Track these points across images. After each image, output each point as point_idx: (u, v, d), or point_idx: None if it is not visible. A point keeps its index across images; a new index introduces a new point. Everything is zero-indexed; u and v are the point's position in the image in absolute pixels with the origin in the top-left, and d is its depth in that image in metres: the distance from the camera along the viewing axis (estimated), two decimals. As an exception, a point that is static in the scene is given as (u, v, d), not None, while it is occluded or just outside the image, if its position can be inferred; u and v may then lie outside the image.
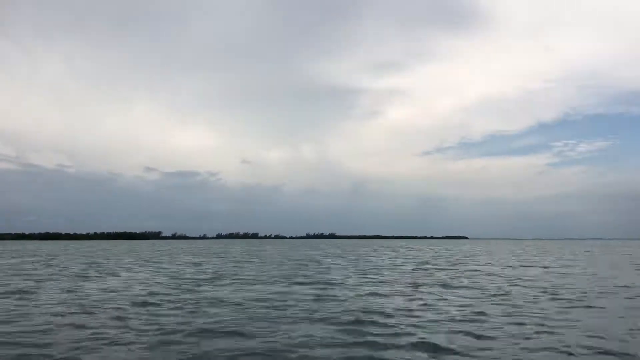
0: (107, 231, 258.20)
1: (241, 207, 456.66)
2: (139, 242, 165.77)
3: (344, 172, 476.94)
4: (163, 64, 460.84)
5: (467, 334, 9.73)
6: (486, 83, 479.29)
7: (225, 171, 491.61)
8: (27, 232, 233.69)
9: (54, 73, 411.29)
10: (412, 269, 27.59)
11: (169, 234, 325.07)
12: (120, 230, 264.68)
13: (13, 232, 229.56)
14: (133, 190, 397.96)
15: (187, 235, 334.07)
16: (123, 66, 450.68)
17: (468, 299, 14.72)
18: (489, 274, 23.99)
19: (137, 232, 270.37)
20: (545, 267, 30.01)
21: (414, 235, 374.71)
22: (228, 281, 20.32)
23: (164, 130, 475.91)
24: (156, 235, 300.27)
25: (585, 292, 16.39)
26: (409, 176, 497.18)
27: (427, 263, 34.23)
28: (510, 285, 18.66)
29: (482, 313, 12.11)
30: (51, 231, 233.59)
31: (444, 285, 18.60)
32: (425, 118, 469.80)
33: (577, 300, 14.67)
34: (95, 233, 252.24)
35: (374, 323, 10.84)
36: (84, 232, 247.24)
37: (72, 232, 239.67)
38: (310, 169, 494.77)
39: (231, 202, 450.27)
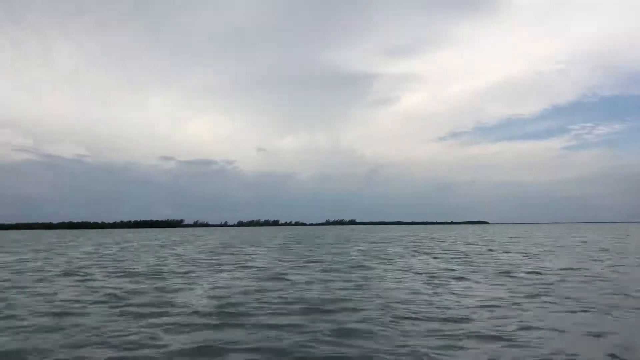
0: (127, 220, 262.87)
1: (258, 194, 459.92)
2: (174, 230, 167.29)
3: (359, 159, 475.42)
4: (177, 51, 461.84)
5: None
6: (500, 67, 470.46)
7: (241, 159, 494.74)
8: (54, 222, 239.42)
9: (69, 63, 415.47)
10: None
11: (190, 222, 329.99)
12: (140, 219, 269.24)
13: (40, 222, 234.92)
14: (149, 179, 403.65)
15: (209, 223, 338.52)
16: (137, 55, 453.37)
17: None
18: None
19: (160, 220, 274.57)
20: None
21: (434, 221, 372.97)
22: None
23: (178, 118, 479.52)
24: (178, 223, 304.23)
25: None
26: (425, 162, 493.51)
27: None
28: None
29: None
30: (74, 220, 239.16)
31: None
32: (439, 103, 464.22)
33: None
34: (121, 222, 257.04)
35: None
36: (109, 221, 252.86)
37: (99, 221, 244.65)
38: (325, 155, 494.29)
39: (248, 190, 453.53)
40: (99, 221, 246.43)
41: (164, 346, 7.54)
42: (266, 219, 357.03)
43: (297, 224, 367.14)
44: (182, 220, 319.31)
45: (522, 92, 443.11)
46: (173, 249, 37.05)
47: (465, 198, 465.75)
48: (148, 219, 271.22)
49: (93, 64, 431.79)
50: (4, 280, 16.28)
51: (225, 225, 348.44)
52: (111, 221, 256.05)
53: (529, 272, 17.06)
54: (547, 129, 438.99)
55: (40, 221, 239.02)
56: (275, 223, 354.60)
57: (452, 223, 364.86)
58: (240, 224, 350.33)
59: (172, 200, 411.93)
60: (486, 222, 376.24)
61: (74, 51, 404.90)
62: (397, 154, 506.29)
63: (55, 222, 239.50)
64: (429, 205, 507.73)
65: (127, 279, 16.19)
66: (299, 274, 17.38)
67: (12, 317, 9.91)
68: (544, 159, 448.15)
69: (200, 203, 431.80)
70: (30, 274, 18.60)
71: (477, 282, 14.56)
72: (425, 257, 25.53)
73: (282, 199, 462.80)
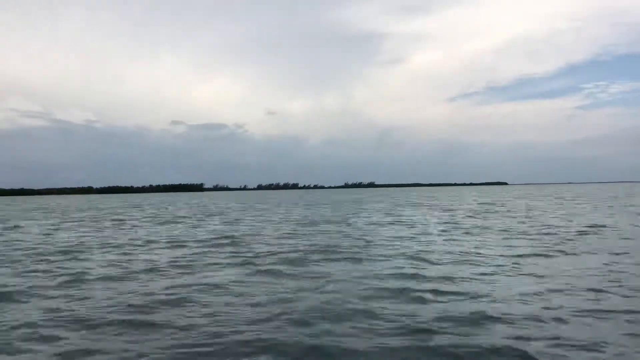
0: (148, 184, 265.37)
1: (270, 158, 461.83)
2: (202, 194, 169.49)
3: (370, 121, 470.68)
4: (183, 14, 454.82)
5: None
6: (513, 24, 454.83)
7: (251, 122, 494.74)
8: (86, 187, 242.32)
9: (76, 27, 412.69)
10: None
11: (210, 186, 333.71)
12: (155, 183, 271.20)
13: (77, 187, 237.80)
14: (161, 143, 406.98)
15: (229, 186, 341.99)
16: (144, 18, 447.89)
17: None
18: None
19: (184, 184, 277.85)
20: None
21: (454, 182, 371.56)
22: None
23: (187, 82, 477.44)
24: (199, 188, 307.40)
25: None
26: (437, 123, 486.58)
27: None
28: None
29: None
30: (96, 185, 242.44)
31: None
32: (451, 62, 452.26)
33: None
34: (150, 186, 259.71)
35: None
36: (138, 185, 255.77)
37: (128, 186, 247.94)
38: (335, 118, 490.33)
39: (260, 153, 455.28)
40: (123, 185, 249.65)
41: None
42: (285, 182, 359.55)
43: (315, 187, 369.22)
44: (202, 184, 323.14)
45: (536, 50, 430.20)
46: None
47: (481, 158, 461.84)
48: (164, 183, 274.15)
49: (99, 27, 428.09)
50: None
51: (245, 188, 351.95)
52: (139, 185, 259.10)
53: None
54: (561, 88, 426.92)
55: (50, 187, 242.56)
56: (295, 186, 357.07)
57: (471, 184, 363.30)
58: (260, 187, 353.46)
59: (185, 164, 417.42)
60: (505, 183, 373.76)
61: (82, 17, 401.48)
62: (409, 115, 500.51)
63: (83, 186, 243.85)
64: (444, 166, 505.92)
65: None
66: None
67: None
68: (556, 119, 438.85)
69: (212, 167, 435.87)
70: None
71: None
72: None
73: (295, 162, 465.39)
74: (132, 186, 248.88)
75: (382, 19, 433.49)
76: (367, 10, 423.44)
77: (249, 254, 12.24)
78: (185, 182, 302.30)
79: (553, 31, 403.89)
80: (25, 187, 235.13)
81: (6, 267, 11.04)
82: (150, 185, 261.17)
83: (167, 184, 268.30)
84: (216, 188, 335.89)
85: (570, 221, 20.59)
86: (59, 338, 5.76)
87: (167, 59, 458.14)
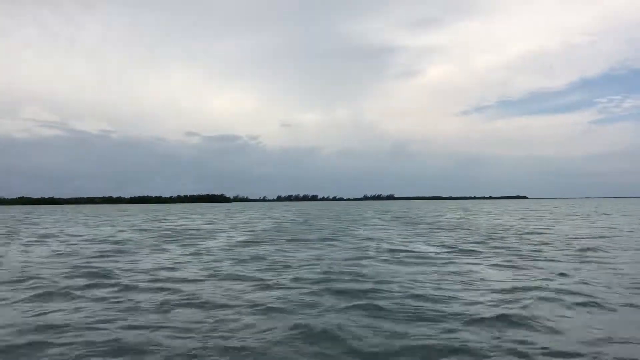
0: (168, 195, 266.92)
1: (286, 169, 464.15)
2: (232, 205, 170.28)
3: (383, 133, 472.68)
4: (198, 26, 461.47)
5: None
6: (527, 38, 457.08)
7: (265, 134, 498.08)
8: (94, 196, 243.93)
9: (93, 39, 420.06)
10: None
11: (229, 197, 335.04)
12: (173, 194, 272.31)
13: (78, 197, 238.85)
14: (177, 154, 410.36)
15: (249, 197, 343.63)
16: (159, 30, 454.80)
17: None
18: None
19: (203, 194, 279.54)
20: None
21: (473, 196, 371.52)
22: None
23: (201, 93, 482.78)
24: (226, 199, 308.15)
25: None
26: (452, 135, 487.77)
27: None
28: None
29: None
30: (113, 195, 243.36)
31: None
32: (464, 76, 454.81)
33: None
34: (178, 196, 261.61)
35: None
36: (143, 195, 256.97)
37: (154, 196, 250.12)
38: (348, 130, 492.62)
39: (275, 164, 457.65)
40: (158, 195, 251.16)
41: None
42: (304, 193, 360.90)
43: (334, 199, 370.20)
44: (222, 195, 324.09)
45: (550, 64, 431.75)
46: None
47: (497, 172, 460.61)
48: (184, 194, 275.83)
49: (115, 39, 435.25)
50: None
51: (265, 199, 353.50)
52: (166, 196, 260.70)
53: None
54: (575, 103, 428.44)
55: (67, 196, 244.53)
56: (315, 198, 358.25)
57: (490, 198, 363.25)
58: (280, 198, 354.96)
59: (200, 175, 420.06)
60: (525, 197, 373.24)
61: (99, 28, 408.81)
62: (422, 128, 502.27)
63: (112, 196, 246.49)
64: (461, 179, 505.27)
65: None
66: None
67: None
68: (571, 133, 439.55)
69: (227, 178, 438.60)
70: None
71: None
72: None
73: (309, 174, 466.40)
74: (160, 196, 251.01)
75: (395, 32, 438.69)
76: (380, 23, 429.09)
77: None
78: (200, 193, 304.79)
79: (567, 45, 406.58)
80: (54, 196, 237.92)
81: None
82: (178, 196, 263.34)
83: (195, 194, 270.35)
84: (237, 199, 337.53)
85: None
86: None
87: (180, 70, 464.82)
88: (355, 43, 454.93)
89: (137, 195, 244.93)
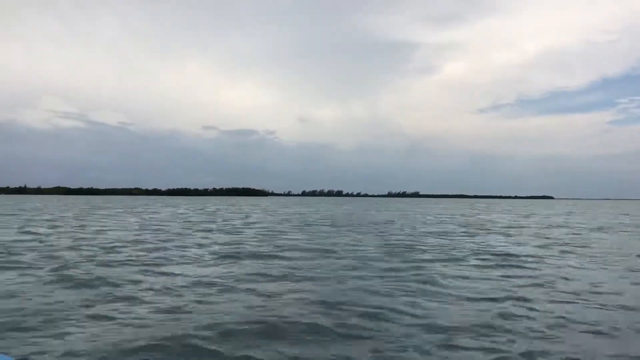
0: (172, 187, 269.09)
1: (304, 164, 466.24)
2: (266, 199, 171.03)
3: (400, 129, 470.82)
4: (215, 20, 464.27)
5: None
6: (546, 36, 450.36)
7: (282, 129, 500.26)
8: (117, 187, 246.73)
9: (111, 33, 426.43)
10: None
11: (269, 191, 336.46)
12: (201, 187, 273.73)
13: (103, 188, 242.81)
14: (195, 148, 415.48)
15: (274, 192, 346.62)
16: (176, 23, 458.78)
17: None
18: None
19: (241, 188, 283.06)
20: None
21: (498, 195, 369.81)
22: None
23: (218, 87, 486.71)
24: (261, 192, 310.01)
25: None
26: (469, 133, 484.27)
27: None
28: None
29: None
30: (131, 187, 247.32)
31: None
32: (482, 73, 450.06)
33: None
34: (213, 188, 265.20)
35: None
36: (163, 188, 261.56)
37: (191, 188, 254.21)
38: (366, 126, 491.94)
39: (293, 159, 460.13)
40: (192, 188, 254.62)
41: None
42: (329, 189, 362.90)
43: (359, 195, 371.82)
44: (261, 190, 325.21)
45: (569, 62, 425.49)
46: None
47: (519, 171, 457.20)
48: (202, 187, 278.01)
49: (133, 32, 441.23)
50: None
51: (289, 194, 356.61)
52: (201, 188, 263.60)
53: None
54: (595, 102, 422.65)
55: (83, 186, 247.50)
56: (339, 194, 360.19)
57: (516, 197, 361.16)
58: (305, 193, 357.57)
59: (219, 169, 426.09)
60: (551, 197, 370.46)
61: (117, 22, 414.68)
62: (439, 124, 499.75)
63: (148, 188, 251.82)
64: (484, 177, 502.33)
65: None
66: None
67: None
68: (592, 133, 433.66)
69: (246, 172, 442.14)
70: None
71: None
72: None
73: (328, 169, 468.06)
74: (196, 189, 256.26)
75: (412, 28, 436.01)
76: (398, 19, 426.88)
77: None
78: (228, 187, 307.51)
79: (587, 44, 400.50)
80: (93, 187, 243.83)
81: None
82: (214, 189, 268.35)
83: (229, 187, 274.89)
84: (263, 193, 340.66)
85: None
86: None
87: (197, 63, 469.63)
88: (373, 38, 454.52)
89: (175, 187, 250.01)
